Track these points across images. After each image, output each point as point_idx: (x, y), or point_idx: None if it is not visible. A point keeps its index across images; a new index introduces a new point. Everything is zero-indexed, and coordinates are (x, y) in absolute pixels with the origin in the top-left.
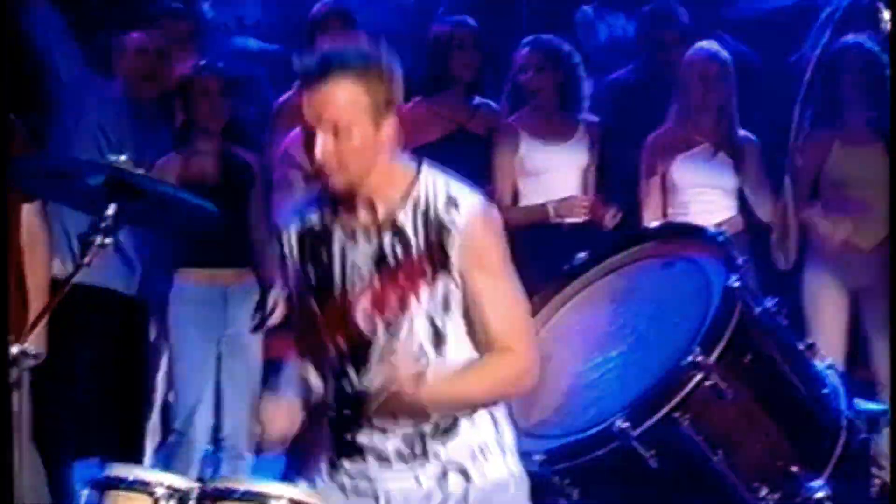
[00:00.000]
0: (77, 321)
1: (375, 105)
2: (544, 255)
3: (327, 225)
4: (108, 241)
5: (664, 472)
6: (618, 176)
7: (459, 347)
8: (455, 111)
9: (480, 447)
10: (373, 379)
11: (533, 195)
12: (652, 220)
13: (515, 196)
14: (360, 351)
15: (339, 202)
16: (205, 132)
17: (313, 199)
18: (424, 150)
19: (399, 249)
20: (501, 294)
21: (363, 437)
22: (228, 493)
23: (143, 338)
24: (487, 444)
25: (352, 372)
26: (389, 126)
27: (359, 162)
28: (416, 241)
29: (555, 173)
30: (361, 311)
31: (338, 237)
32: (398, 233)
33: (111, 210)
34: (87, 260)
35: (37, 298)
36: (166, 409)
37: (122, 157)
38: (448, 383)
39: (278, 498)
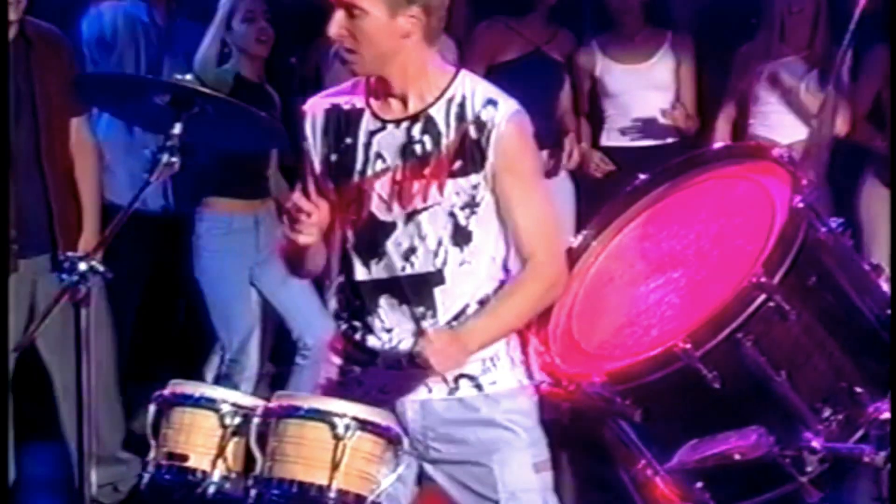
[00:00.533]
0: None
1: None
2: (617, 175)
3: (356, 109)
4: (174, 159)
5: (727, 393)
6: (708, 93)
7: (483, 249)
8: (534, 32)
9: (491, 358)
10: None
11: (613, 116)
12: (723, 137)
13: (601, 116)
14: (369, 239)
15: (372, 92)
16: (249, 57)
17: (347, 87)
18: (500, 69)
19: (428, 141)
20: (532, 201)
21: (373, 341)
22: (293, 411)
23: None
24: (498, 354)
25: (357, 261)
26: (409, 19)
27: (370, 47)
28: (447, 134)
29: (632, 94)
30: (377, 197)
31: (366, 122)
32: (429, 125)
33: (177, 129)
34: (154, 177)
35: (90, 210)
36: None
37: (188, 76)
38: (484, 323)
39: (342, 416)
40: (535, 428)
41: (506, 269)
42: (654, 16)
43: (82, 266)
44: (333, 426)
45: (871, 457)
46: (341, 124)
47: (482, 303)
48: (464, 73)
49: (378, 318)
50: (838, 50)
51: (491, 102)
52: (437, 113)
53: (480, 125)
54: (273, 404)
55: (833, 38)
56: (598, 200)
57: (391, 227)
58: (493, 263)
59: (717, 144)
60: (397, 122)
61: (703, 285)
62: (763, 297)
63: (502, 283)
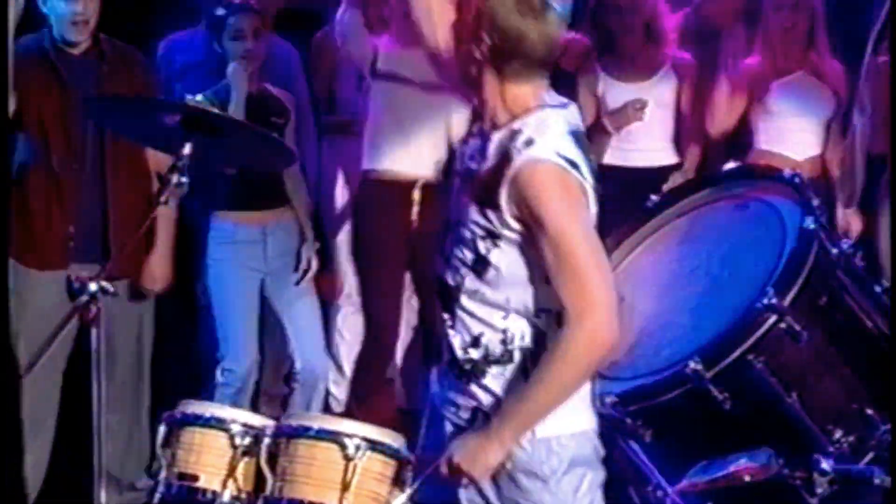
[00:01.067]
0: None
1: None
2: (618, 196)
3: (472, 126)
4: (184, 180)
5: (738, 414)
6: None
7: (499, 285)
8: None
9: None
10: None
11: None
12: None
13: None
14: (441, 235)
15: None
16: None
17: None
18: None
19: (478, 161)
20: (558, 252)
21: (442, 328)
22: (303, 431)
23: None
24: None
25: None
26: (476, 49)
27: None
28: (488, 161)
29: None
30: (451, 200)
31: (471, 135)
32: (484, 146)
33: (187, 149)
34: (163, 198)
35: (163, 233)
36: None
37: (199, 97)
38: (515, 408)
39: (352, 436)
40: (545, 489)
41: (537, 316)
42: (651, 36)
43: (92, 286)
44: (344, 446)
45: (882, 479)
46: (468, 138)
47: (503, 340)
48: (546, 110)
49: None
50: (860, 68)
51: (528, 143)
52: (495, 138)
53: (507, 161)
54: (283, 424)
55: (834, 51)
56: (609, 221)
57: (446, 228)
58: (508, 304)
59: (729, 165)
60: (473, 136)
61: (714, 306)
62: (774, 318)
63: (535, 331)
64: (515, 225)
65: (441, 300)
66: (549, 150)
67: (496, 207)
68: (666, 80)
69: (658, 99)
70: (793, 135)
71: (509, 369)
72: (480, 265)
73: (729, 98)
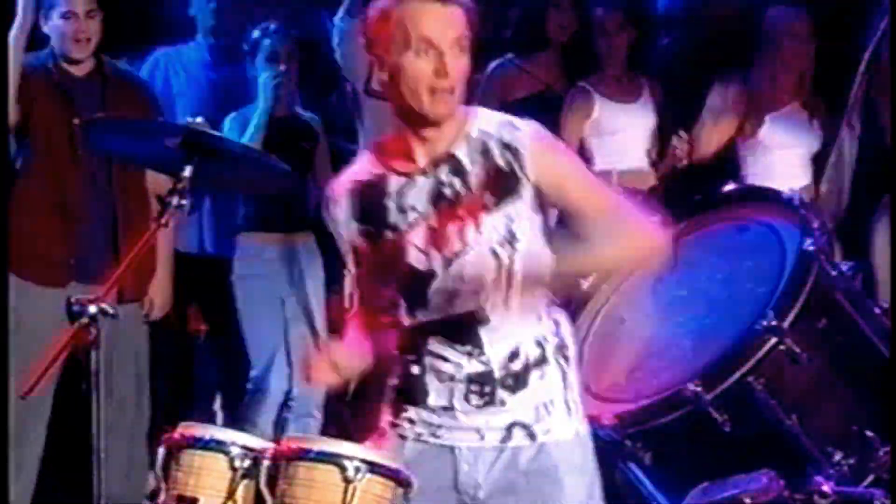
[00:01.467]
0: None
1: (469, 39)
2: None
3: (377, 175)
4: (184, 202)
5: (737, 436)
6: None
7: (534, 273)
8: (546, 71)
9: (546, 404)
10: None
11: (605, 155)
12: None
13: (586, 156)
14: (410, 290)
15: (387, 154)
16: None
17: (357, 163)
18: (509, 108)
19: (457, 182)
20: (597, 189)
21: (428, 379)
22: (303, 454)
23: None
24: (554, 400)
25: (403, 310)
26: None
27: (462, 84)
28: (473, 171)
29: (628, 132)
30: (413, 248)
31: (393, 182)
32: (454, 165)
33: (188, 171)
34: (163, 220)
35: (163, 254)
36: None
37: (199, 119)
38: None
39: (351, 458)
40: (588, 483)
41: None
42: (634, 60)
43: (92, 309)
44: (343, 469)
45: (882, 501)
46: (365, 195)
47: (539, 343)
48: (478, 108)
49: (429, 358)
50: (849, 94)
51: (511, 126)
52: (459, 151)
53: (512, 152)
54: (283, 446)
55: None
56: None
57: (430, 276)
58: (541, 303)
59: (728, 187)
60: (423, 172)
61: (714, 328)
62: (774, 340)
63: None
64: (537, 202)
65: (452, 339)
66: (528, 121)
67: (520, 194)
68: (649, 104)
69: (646, 121)
70: (782, 168)
71: (546, 371)
72: (506, 277)
73: (713, 126)
